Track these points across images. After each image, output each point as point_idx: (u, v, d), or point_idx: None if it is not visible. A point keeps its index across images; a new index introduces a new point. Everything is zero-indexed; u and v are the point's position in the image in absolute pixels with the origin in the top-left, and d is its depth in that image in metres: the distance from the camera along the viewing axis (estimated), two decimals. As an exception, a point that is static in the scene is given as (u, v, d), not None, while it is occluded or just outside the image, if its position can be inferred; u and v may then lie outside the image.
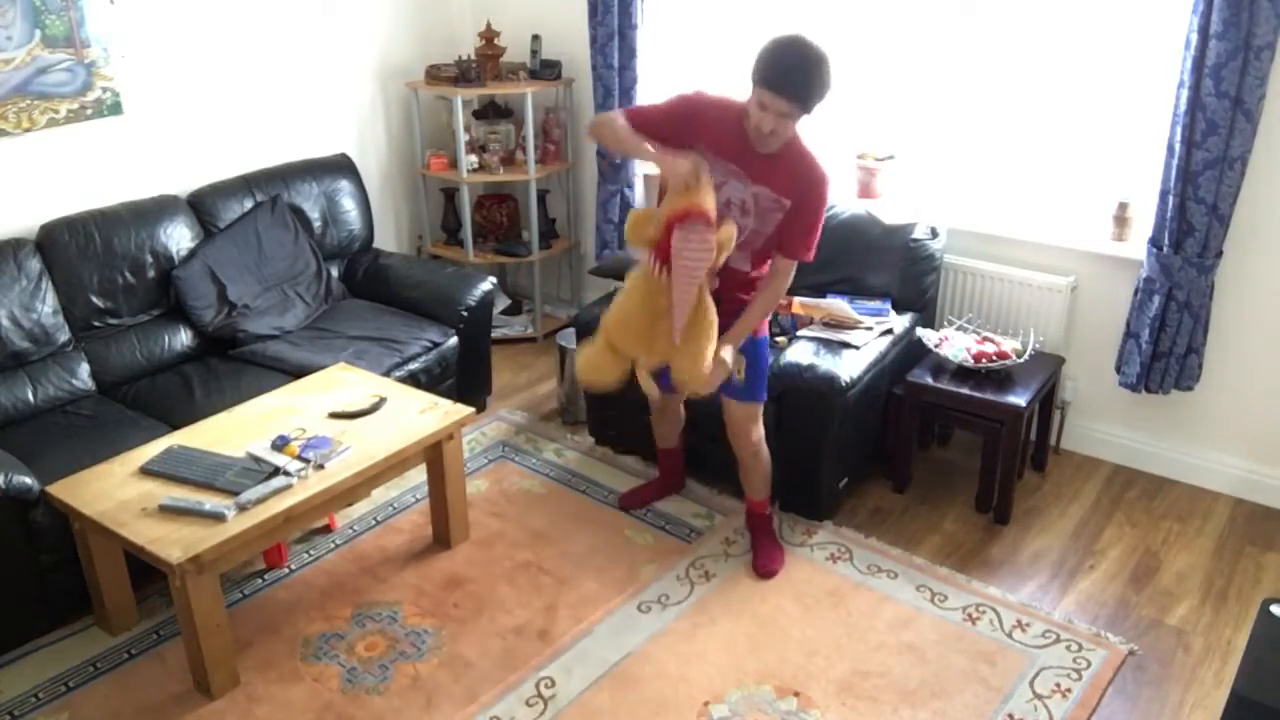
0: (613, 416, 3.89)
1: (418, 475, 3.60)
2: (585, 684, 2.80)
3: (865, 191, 4.00)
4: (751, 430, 3.16)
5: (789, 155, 2.77)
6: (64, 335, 3.52)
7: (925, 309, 3.77)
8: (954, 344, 3.53)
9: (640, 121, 2.79)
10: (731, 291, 2.92)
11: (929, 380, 3.49)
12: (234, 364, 3.70)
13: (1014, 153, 3.78)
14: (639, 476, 3.75)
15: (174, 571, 2.57)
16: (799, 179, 2.79)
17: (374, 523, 3.52)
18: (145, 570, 2.83)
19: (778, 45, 2.60)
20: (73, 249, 3.54)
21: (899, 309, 3.68)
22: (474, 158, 4.72)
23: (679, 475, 3.67)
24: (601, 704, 2.74)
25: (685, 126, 2.77)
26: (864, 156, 3.99)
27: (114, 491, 2.81)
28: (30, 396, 3.40)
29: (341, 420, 3.15)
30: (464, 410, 3.26)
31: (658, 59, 4.41)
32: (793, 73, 2.57)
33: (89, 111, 3.70)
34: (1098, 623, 3.00)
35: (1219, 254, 3.31)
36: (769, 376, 3.37)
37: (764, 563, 3.25)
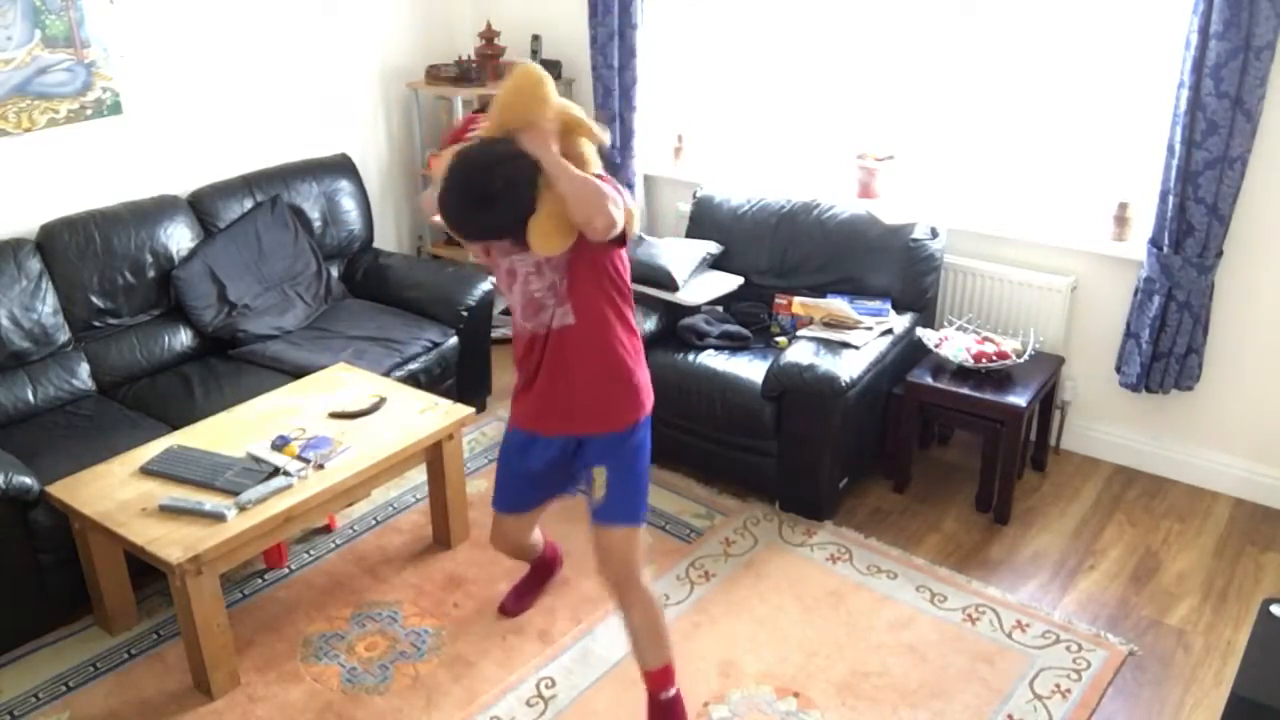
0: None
1: (418, 475, 3.60)
2: (585, 684, 2.80)
3: (865, 191, 4.00)
4: (629, 568, 2.39)
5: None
6: (64, 335, 3.52)
7: (925, 309, 3.77)
8: (954, 344, 3.53)
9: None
10: (565, 356, 2.31)
11: (929, 380, 3.49)
12: (234, 364, 3.70)
13: (1014, 153, 3.78)
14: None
15: (174, 571, 2.57)
16: None
17: (374, 523, 3.52)
18: (145, 570, 2.83)
19: (446, 176, 2.12)
20: (73, 249, 3.54)
21: (899, 309, 3.68)
22: (474, 158, 4.71)
23: (553, 562, 3.10)
24: (601, 704, 2.74)
25: None
26: (864, 156, 3.99)
27: (114, 491, 2.81)
28: (30, 396, 3.40)
29: (341, 420, 3.15)
30: (464, 410, 3.26)
31: (658, 59, 4.41)
32: (457, 217, 2.14)
33: (89, 111, 3.70)
34: (1098, 623, 3.00)
35: (1219, 254, 3.31)
36: (769, 376, 3.36)
37: None
